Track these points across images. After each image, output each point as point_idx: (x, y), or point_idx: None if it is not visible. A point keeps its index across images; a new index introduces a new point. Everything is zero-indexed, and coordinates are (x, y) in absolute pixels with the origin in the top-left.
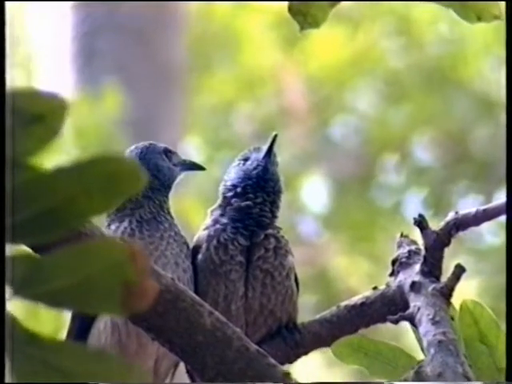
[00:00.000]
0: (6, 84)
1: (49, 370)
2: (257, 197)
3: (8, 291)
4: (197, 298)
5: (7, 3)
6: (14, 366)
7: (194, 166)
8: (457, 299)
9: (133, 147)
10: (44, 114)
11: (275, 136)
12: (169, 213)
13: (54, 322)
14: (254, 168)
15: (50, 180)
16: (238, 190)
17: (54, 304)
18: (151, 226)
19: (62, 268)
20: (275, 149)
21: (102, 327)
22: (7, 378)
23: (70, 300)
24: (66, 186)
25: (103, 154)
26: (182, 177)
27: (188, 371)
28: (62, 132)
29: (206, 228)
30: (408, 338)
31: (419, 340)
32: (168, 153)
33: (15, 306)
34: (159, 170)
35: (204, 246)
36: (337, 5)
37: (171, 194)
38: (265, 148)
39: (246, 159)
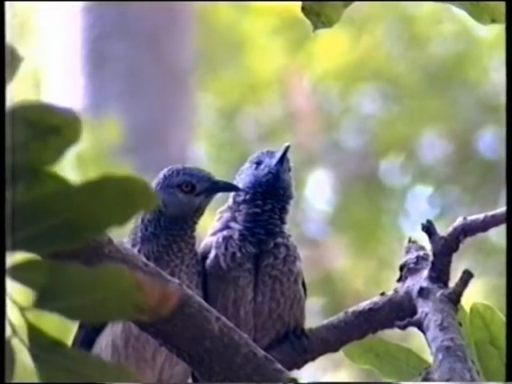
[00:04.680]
0: (5, 87)
1: (71, 376)
2: (266, 204)
3: (26, 299)
4: (204, 303)
5: (17, 5)
6: (39, 373)
7: (227, 187)
8: (463, 300)
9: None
10: (60, 125)
11: (288, 147)
12: (184, 243)
13: (58, 328)
14: (265, 174)
15: (68, 193)
16: (248, 196)
17: (73, 317)
18: (160, 265)
19: (77, 285)
20: (288, 153)
21: (104, 346)
22: (7, 378)
23: (88, 314)
24: (82, 200)
25: (115, 174)
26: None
27: (192, 374)
28: (77, 143)
29: (215, 233)
30: (417, 340)
31: (429, 343)
32: (184, 185)
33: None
34: (166, 206)
35: (212, 252)
36: (350, 4)
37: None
38: (277, 154)
39: (258, 163)
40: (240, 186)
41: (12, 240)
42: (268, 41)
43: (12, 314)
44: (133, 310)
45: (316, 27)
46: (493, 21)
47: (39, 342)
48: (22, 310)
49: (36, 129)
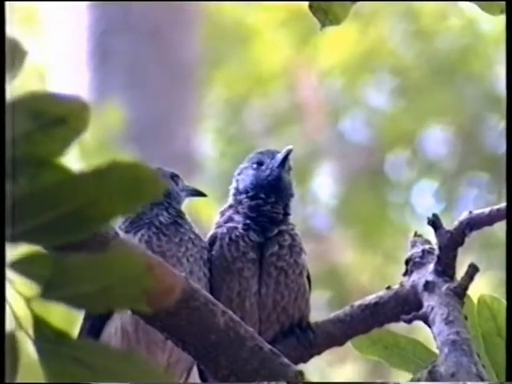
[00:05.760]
0: (5, 85)
1: (77, 368)
2: (269, 197)
3: (33, 291)
4: (210, 297)
5: (23, 2)
6: (44, 365)
7: (196, 193)
8: (471, 293)
9: None
10: (66, 116)
11: (290, 150)
12: (187, 219)
13: (64, 320)
14: (267, 176)
15: (73, 183)
16: (250, 194)
17: (79, 306)
18: (170, 231)
19: (85, 274)
20: (289, 147)
21: (113, 332)
22: (7, 378)
23: (95, 303)
24: (88, 189)
25: (123, 160)
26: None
27: (199, 369)
28: (84, 133)
29: (219, 226)
30: (422, 334)
31: (435, 337)
32: (175, 177)
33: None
34: (170, 193)
35: (217, 243)
36: (356, 3)
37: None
38: (279, 156)
39: (259, 163)
40: (241, 186)
41: (15, 232)
42: (275, 34)
43: (17, 306)
44: (142, 295)
45: (323, 25)
46: (502, 11)
47: (44, 333)
48: (27, 300)
49: (41, 120)
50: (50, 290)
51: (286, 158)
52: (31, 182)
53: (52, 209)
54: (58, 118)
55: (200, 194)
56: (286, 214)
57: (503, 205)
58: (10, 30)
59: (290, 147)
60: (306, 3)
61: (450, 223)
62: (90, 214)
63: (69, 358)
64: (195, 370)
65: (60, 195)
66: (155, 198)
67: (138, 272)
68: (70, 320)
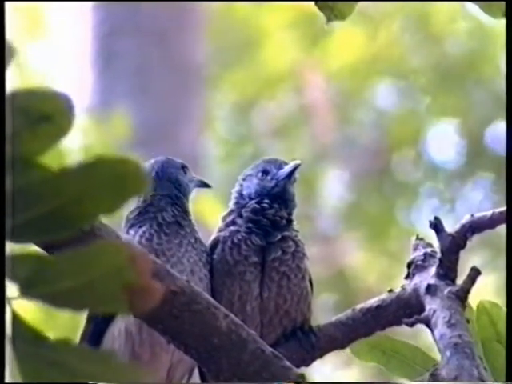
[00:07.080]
0: (5, 84)
1: (54, 370)
2: (273, 204)
3: (14, 290)
4: (212, 300)
5: (27, 3)
6: (20, 365)
7: (202, 184)
8: (475, 295)
9: (152, 161)
10: (52, 113)
11: (298, 165)
12: (190, 220)
13: (69, 323)
14: (272, 187)
15: (57, 180)
16: (253, 201)
17: (59, 304)
18: (171, 230)
19: (65, 270)
20: (298, 162)
21: (116, 334)
22: (7, 378)
23: (74, 301)
24: (72, 186)
25: (108, 156)
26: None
27: (200, 370)
28: (70, 131)
29: (221, 230)
30: (425, 337)
31: (436, 340)
32: (185, 168)
33: (27, 306)
34: (180, 184)
35: (219, 247)
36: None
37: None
38: (286, 168)
39: (265, 172)
40: (244, 192)
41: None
42: (283, 35)
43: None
44: (123, 291)
45: (329, 20)
46: (504, 15)
47: (22, 334)
48: (7, 300)
49: (26, 117)
50: (30, 288)
51: (293, 172)
52: (16, 180)
53: (36, 207)
54: (43, 114)
55: (205, 185)
56: (290, 220)
57: (505, 208)
58: (7, 30)
59: (298, 162)
60: (313, 2)
61: (456, 225)
62: (75, 211)
63: (46, 360)
64: (196, 371)
65: (44, 193)
66: (141, 194)
67: (120, 263)
68: (74, 324)
